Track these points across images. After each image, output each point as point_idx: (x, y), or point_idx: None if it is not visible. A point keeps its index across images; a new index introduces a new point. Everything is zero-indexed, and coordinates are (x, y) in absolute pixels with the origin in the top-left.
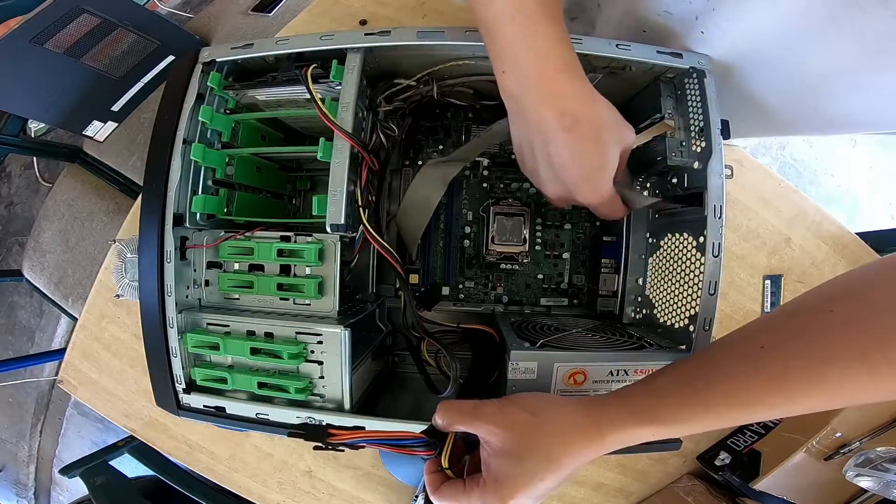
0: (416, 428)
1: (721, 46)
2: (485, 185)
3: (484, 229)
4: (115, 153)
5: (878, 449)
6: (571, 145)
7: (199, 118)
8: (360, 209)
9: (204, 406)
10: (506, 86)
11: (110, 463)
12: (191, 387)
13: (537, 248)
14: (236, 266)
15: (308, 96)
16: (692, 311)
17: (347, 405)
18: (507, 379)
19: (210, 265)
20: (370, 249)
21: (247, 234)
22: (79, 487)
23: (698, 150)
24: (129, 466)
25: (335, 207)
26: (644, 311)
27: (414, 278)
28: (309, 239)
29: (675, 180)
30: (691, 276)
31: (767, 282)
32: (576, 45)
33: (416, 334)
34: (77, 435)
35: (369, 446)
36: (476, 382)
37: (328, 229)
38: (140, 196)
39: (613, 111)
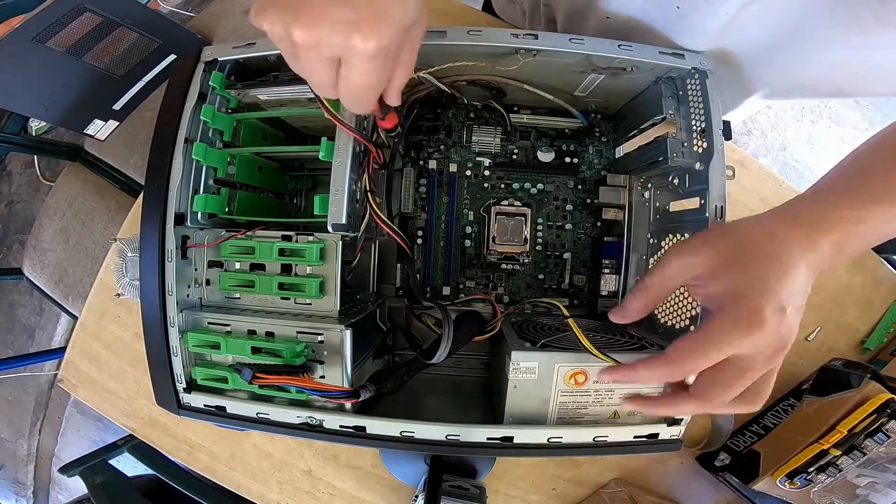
0: (420, 428)
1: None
2: (486, 184)
3: (485, 229)
4: (116, 152)
5: (879, 449)
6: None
7: (201, 117)
8: (369, 195)
9: (204, 405)
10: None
11: (110, 462)
12: (191, 386)
13: (538, 248)
14: (237, 265)
15: (310, 95)
16: (693, 312)
17: (348, 405)
18: (509, 379)
19: (211, 264)
20: (371, 249)
21: (248, 233)
22: (78, 486)
23: (700, 150)
24: (129, 465)
25: (337, 207)
26: None
27: None
28: (310, 238)
29: (676, 181)
30: None
31: None
32: (576, 44)
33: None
34: (76, 434)
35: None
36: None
37: (329, 229)
38: (141, 195)
39: None
